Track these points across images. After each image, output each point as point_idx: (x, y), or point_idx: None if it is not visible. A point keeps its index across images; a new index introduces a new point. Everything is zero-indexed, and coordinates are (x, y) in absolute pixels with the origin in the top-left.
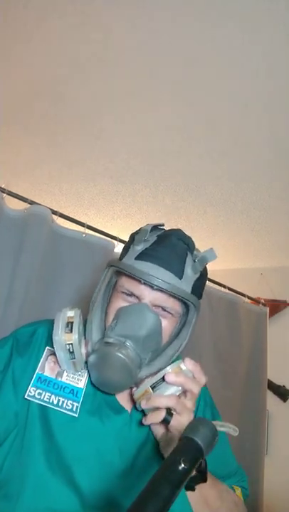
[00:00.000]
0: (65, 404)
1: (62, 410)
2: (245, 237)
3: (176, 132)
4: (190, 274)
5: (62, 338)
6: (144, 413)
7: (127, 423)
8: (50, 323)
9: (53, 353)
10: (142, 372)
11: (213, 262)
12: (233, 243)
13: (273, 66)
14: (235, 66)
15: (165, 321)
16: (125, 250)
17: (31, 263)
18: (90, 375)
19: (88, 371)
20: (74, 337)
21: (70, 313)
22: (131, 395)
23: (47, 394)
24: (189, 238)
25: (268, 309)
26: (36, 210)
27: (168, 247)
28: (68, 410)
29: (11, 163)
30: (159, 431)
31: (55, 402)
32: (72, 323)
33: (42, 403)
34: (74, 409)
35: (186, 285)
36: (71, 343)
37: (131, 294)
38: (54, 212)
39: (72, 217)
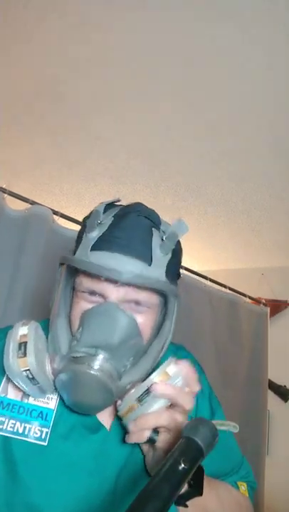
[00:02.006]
0: (32, 432)
1: (28, 440)
2: (246, 237)
3: (177, 132)
4: (160, 257)
5: (15, 364)
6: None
7: (105, 442)
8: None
9: None
10: (124, 380)
11: (214, 262)
12: (233, 243)
13: (273, 66)
14: (235, 66)
15: (141, 317)
16: (78, 240)
17: (32, 263)
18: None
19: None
20: (29, 360)
21: (23, 331)
22: (111, 408)
23: (11, 422)
24: (152, 211)
25: (268, 309)
26: (37, 211)
27: (128, 227)
28: (36, 439)
29: (11, 164)
30: (144, 448)
31: (21, 430)
32: (25, 343)
33: (4, 434)
34: (43, 436)
35: (157, 271)
36: (27, 369)
37: (93, 293)
38: (55, 213)
39: (73, 217)
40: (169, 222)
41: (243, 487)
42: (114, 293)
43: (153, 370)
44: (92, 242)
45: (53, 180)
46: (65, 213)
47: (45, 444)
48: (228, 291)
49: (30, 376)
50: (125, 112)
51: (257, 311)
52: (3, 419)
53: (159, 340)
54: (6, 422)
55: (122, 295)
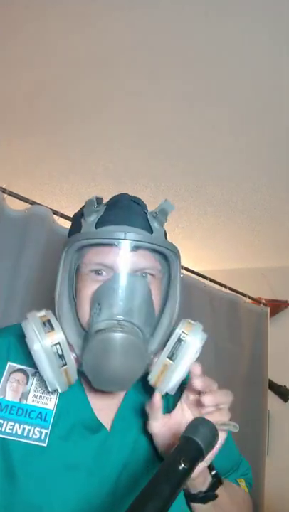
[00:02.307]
0: (31, 433)
1: (28, 441)
2: (246, 237)
3: (177, 132)
4: (158, 227)
5: (45, 341)
6: (146, 418)
7: (105, 442)
8: (9, 333)
9: (16, 370)
10: (149, 350)
11: (214, 262)
12: (233, 243)
13: (274, 66)
14: (235, 66)
15: (150, 285)
16: (77, 227)
17: (32, 263)
18: (61, 392)
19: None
20: (58, 335)
21: (41, 313)
22: (111, 408)
23: (9, 423)
24: (139, 198)
25: (268, 309)
26: (37, 211)
27: (123, 208)
28: (35, 440)
29: (11, 164)
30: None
31: (19, 431)
32: (49, 320)
33: (3, 436)
34: (42, 437)
35: (159, 239)
36: (58, 343)
37: (100, 271)
38: (55, 213)
39: None
40: (167, 223)
41: (243, 483)
42: (123, 262)
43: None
44: (94, 223)
45: (52, 180)
46: (65, 213)
47: (45, 445)
48: (228, 291)
49: (60, 352)
50: (125, 112)
51: (257, 311)
52: (1, 421)
53: (168, 308)
54: (5, 424)
55: (131, 264)
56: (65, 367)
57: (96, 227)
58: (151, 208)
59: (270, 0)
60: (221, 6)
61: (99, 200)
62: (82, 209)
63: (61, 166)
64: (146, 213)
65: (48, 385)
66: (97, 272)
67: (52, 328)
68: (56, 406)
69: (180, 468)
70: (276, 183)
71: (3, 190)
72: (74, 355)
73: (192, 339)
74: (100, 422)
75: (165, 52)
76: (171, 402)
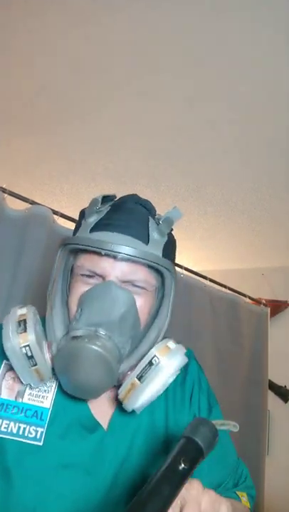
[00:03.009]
0: (26, 432)
1: (23, 440)
2: (246, 238)
3: (177, 132)
4: (157, 238)
5: (15, 341)
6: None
7: (102, 441)
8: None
9: (11, 368)
10: (124, 366)
11: (215, 262)
12: (233, 243)
13: (274, 66)
14: (235, 66)
15: (139, 298)
16: (76, 227)
17: (32, 263)
18: (57, 390)
19: (56, 383)
20: (30, 337)
21: (22, 311)
22: (108, 406)
23: (4, 422)
24: (147, 201)
25: (269, 310)
26: (37, 211)
27: (125, 212)
28: (31, 439)
29: (11, 164)
30: None
31: (15, 430)
32: (24, 321)
33: None
34: (38, 436)
35: (155, 251)
36: (27, 345)
37: (92, 275)
38: (55, 213)
39: (73, 217)
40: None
41: (244, 498)
42: (113, 271)
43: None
44: (91, 226)
45: (53, 180)
46: (65, 213)
47: (41, 444)
48: (228, 291)
49: (29, 354)
50: (125, 112)
51: (257, 311)
52: None
53: (156, 324)
54: (0, 423)
55: (121, 273)
56: (35, 367)
57: (91, 231)
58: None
59: (271, 0)
60: (221, 6)
61: (105, 199)
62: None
63: (61, 166)
64: (148, 219)
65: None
66: (88, 275)
67: (25, 329)
68: (53, 404)
69: (180, 468)
70: (276, 183)
71: (4, 190)
72: (49, 355)
73: (165, 364)
74: (97, 421)
75: (165, 52)
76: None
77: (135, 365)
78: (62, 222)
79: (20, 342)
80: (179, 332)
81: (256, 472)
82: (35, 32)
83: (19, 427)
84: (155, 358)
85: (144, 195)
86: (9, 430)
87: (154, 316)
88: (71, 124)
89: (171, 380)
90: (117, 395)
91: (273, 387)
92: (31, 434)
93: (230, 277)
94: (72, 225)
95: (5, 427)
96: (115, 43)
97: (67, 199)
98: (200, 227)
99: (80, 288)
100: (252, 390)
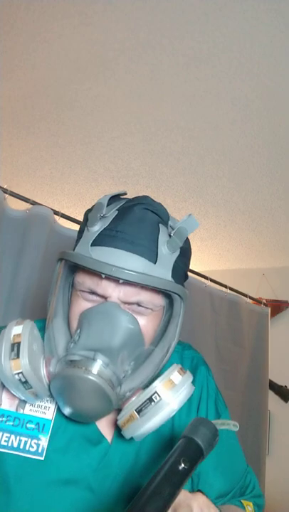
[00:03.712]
0: (28, 446)
1: (24, 455)
2: (247, 238)
3: (178, 132)
4: (167, 254)
5: (7, 367)
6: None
7: (106, 455)
8: None
9: None
10: (125, 387)
11: (215, 262)
12: (234, 243)
13: (274, 66)
14: (236, 66)
15: (144, 318)
16: (79, 235)
17: (33, 263)
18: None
19: None
20: (23, 362)
21: (16, 330)
22: (112, 419)
23: (5, 435)
24: (160, 206)
25: (269, 309)
26: (38, 211)
27: (133, 222)
28: (32, 453)
29: (12, 164)
30: None
31: (15, 444)
32: (18, 344)
33: None
34: (39, 450)
35: (163, 270)
36: (20, 372)
37: (94, 292)
38: (56, 213)
39: (74, 217)
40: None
41: (250, 507)
42: (116, 292)
43: (156, 376)
44: (94, 237)
45: (54, 181)
46: (66, 213)
47: (42, 458)
48: (228, 291)
49: (23, 380)
50: (126, 113)
51: (258, 311)
52: None
53: (162, 344)
54: (0, 436)
55: (124, 295)
56: (30, 390)
57: (93, 244)
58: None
59: (271, 0)
60: (221, 6)
61: (112, 200)
62: (91, 209)
63: (62, 166)
64: (159, 230)
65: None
66: (89, 292)
67: (17, 354)
68: (55, 416)
69: (180, 468)
70: (277, 183)
71: (5, 191)
72: (46, 373)
73: (167, 401)
74: (101, 434)
75: (165, 52)
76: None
77: (138, 387)
78: (63, 222)
79: (12, 368)
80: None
81: (256, 472)
82: (36, 33)
83: (20, 441)
84: (156, 395)
85: (145, 195)
86: (10, 444)
87: (161, 333)
88: (72, 124)
89: (174, 413)
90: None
91: (274, 387)
92: (32, 447)
93: (230, 277)
94: (72, 226)
95: (5, 441)
96: (115, 43)
97: (68, 199)
98: (200, 227)
99: (81, 304)
100: (252, 390)
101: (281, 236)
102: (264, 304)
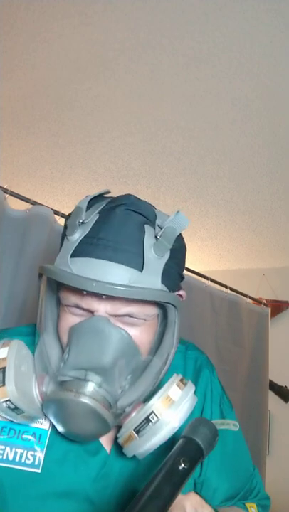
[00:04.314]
0: (23, 458)
1: (20, 467)
2: (247, 238)
3: (178, 132)
4: (154, 259)
5: None
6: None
7: (105, 465)
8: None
9: None
10: (123, 402)
11: (215, 262)
12: (234, 244)
13: (274, 66)
14: (236, 66)
15: (137, 329)
16: (61, 242)
17: (33, 263)
18: None
19: None
20: (9, 389)
21: (2, 354)
22: (113, 429)
23: (0, 448)
24: (144, 204)
25: (269, 310)
26: (38, 211)
27: (115, 226)
28: (28, 466)
29: (13, 164)
30: None
31: (11, 456)
32: (3, 369)
33: None
34: (36, 462)
35: (151, 278)
36: (7, 400)
37: (80, 306)
38: (56, 213)
39: None
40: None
41: (253, 509)
42: (102, 306)
43: (157, 387)
44: (74, 247)
45: (54, 181)
46: (66, 213)
47: (39, 471)
48: (229, 291)
49: (12, 406)
50: (126, 113)
51: (258, 311)
52: None
53: (160, 354)
54: None
55: (111, 309)
56: (22, 414)
57: (73, 255)
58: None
59: (271, 0)
60: (221, 6)
61: (93, 202)
62: (71, 213)
63: (62, 166)
64: (144, 232)
65: None
66: (76, 307)
67: (3, 381)
68: (52, 425)
69: (180, 468)
70: (277, 183)
71: (5, 191)
72: (39, 391)
73: (166, 420)
74: (100, 443)
75: (165, 52)
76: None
77: (137, 401)
78: (63, 222)
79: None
80: (179, 332)
81: None
82: (36, 33)
83: (16, 453)
84: (152, 415)
85: (145, 195)
86: (5, 457)
87: (159, 342)
88: (72, 124)
89: (174, 431)
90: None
91: (274, 387)
92: (29, 460)
93: (231, 277)
94: None
95: (0, 454)
96: (115, 43)
97: (69, 199)
98: (201, 227)
99: (69, 319)
100: (253, 390)
101: (281, 236)
102: (264, 304)
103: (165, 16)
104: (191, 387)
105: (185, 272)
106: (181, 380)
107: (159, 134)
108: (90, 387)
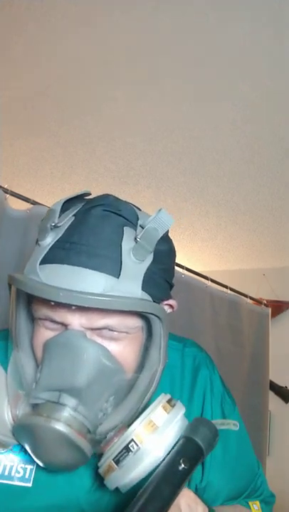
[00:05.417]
0: (13, 471)
1: (9, 482)
2: (248, 238)
3: (178, 133)
4: (133, 264)
5: None
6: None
7: (100, 476)
8: None
9: None
10: (105, 426)
11: (216, 263)
12: (235, 244)
13: (275, 66)
14: (237, 66)
15: (119, 344)
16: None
17: None
18: None
19: None
20: None
21: None
22: None
23: None
24: (124, 205)
25: (270, 310)
26: (39, 211)
27: (89, 229)
28: (19, 479)
29: (13, 164)
30: None
31: (0, 470)
32: None
33: None
34: (26, 475)
35: (129, 285)
36: None
37: (53, 319)
38: None
39: None
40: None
41: (256, 506)
42: (76, 319)
43: (143, 409)
44: (44, 253)
45: (54, 181)
46: None
47: (30, 484)
48: (229, 291)
49: None
50: (126, 112)
51: (258, 311)
52: None
53: (146, 371)
54: None
55: (87, 321)
56: None
57: (42, 262)
58: (152, 209)
59: (271, 0)
60: (221, 6)
61: (69, 205)
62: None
63: (63, 166)
64: (123, 234)
65: None
66: (50, 320)
67: None
68: None
69: (180, 468)
70: (277, 183)
71: (5, 191)
72: (12, 415)
73: (148, 449)
74: (94, 453)
75: (165, 53)
76: None
77: (122, 425)
78: None
79: None
80: (179, 332)
81: None
82: (37, 33)
83: (5, 466)
84: (132, 443)
85: (145, 195)
86: None
87: (145, 357)
88: (72, 124)
89: (159, 461)
90: None
91: (274, 387)
92: (19, 473)
93: (231, 278)
94: None
95: None
96: (115, 43)
97: None
98: (201, 227)
99: (43, 334)
100: (253, 391)
101: (282, 236)
102: (264, 305)
103: (165, 16)
104: (179, 409)
105: (185, 272)
106: (169, 401)
107: (160, 134)
108: (65, 411)
